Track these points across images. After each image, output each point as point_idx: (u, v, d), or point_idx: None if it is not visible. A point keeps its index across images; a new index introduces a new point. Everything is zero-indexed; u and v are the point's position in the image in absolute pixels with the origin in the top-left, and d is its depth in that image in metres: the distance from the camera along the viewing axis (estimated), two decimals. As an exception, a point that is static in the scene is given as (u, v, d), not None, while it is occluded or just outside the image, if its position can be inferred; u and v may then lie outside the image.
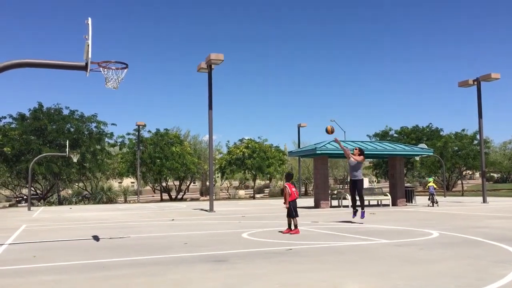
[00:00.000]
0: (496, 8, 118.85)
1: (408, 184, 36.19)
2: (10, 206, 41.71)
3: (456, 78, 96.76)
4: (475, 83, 25.05)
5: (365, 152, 23.01)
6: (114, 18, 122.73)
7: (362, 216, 12.70)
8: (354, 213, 13.04)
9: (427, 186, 25.34)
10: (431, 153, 26.01)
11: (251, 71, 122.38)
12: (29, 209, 27.81)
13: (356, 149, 13.02)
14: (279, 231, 10.64)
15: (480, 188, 40.37)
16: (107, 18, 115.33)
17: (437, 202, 21.98)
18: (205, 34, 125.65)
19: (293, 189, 10.58)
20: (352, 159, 12.73)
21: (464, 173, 51.22)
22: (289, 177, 11.04)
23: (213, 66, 21.25)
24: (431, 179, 23.97)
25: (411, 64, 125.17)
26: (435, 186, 22.52)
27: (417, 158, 40.31)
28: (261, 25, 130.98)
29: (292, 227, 10.36)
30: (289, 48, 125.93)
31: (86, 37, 8.95)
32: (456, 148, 46.25)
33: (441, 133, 49.44)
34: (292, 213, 10.32)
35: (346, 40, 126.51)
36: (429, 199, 22.01)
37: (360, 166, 12.88)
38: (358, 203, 13.01)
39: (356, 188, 12.85)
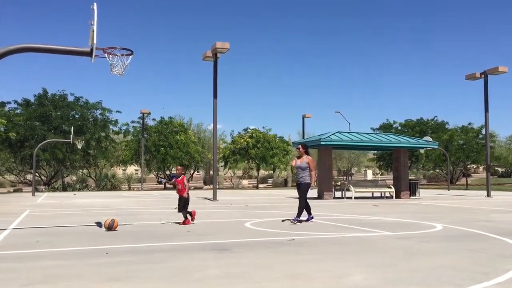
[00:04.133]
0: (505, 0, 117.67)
1: (412, 177, 36.15)
2: (14, 191, 41.93)
3: (463, 71, 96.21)
4: (482, 76, 24.86)
5: (370, 144, 23.16)
6: (119, 4, 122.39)
7: (294, 220, 10.42)
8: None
9: None
10: (436, 146, 25.90)
11: (257, 60, 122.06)
12: (33, 195, 27.94)
13: (299, 147, 10.96)
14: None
15: (484, 182, 40.27)
16: (113, 5, 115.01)
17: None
18: (211, 22, 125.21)
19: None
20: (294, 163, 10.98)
21: (468, 167, 51.03)
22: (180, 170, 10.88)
23: (218, 54, 21.15)
24: None
25: (418, 56, 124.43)
26: None
27: (422, 151, 40.18)
28: (268, 15, 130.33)
29: (188, 217, 10.37)
30: (295, 38, 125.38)
31: (92, 22, 8.88)
32: (462, 142, 46.06)
33: (447, 126, 49.23)
34: (180, 206, 10.39)
35: (352, 32, 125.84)
36: None
37: (306, 167, 10.70)
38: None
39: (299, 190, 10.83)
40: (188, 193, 10.53)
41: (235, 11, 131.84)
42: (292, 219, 10.42)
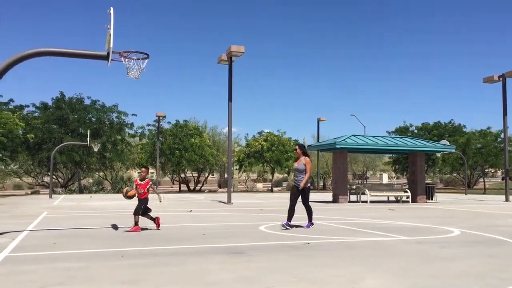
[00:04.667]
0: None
1: (428, 181, 35.74)
2: (32, 193, 42.47)
3: (481, 74, 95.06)
4: (501, 79, 24.51)
5: (385, 148, 22.97)
6: (135, 9, 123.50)
7: (307, 226, 10.27)
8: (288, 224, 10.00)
9: None
10: (453, 150, 25.58)
11: (271, 63, 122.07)
12: (50, 197, 28.25)
13: (296, 148, 10.38)
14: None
15: (502, 186, 39.64)
16: (129, 9, 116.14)
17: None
18: (226, 24, 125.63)
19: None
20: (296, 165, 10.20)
21: (486, 171, 50.31)
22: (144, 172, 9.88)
23: (233, 58, 21.20)
24: None
25: (435, 59, 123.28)
26: None
27: (439, 155, 39.76)
28: (282, 18, 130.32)
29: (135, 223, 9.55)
30: (310, 42, 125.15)
31: (108, 26, 8.96)
32: (480, 146, 45.44)
33: (464, 129, 48.64)
34: (139, 210, 9.53)
35: (367, 35, 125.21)
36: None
37: (304, 169, 9.99)
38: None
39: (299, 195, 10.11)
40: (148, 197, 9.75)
41: (251, 14, 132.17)
42: (306, 225, 10.23)
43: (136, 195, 9.58)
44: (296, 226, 10.21)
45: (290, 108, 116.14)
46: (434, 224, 11.15)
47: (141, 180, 9.69)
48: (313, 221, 10.39)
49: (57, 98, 40.86)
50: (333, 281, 4.86)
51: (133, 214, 9.54)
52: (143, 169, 9.92)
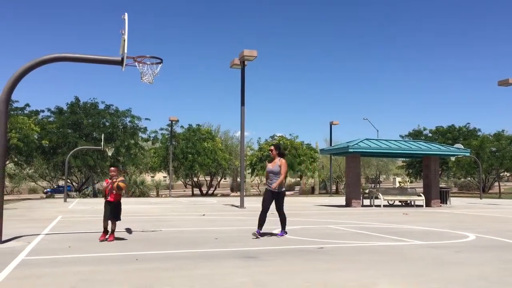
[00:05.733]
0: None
1: (443, 185, 35.42)
2: (47, 197, 42.92)
3: (496, 76, 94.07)
4: (516, 82, 24.21)
5: (399, 151, 22.81)
6: (149, 11, 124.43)
7: (280, 234, 9.42)
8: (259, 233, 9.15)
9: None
10: (468, 154, 25.33)
11: (284, 67, 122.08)
12: (65, 201, 28.53)
13: (272, 149, 9.47)
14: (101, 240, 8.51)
15: (518, 190, 39.12)
16: (143, 14, 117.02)
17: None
18: (238, 29, 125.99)
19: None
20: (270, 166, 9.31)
21: (501, 174, 49.73)
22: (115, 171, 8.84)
23: (246, 62, 21.27)
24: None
25: (449, 62, 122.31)
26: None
27: (453, 158, 39.40)
28: (295, 21, 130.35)
29: (109, 231, 8.57)
30: (323, 45, 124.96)
31: (123, 32, 9.05)
32: (494, 149, 44.93)
33: (479, 133, 48.18)
34: (117, 214, 8.58)
35: (381, 38, 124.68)
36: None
37: (279, 172, 9.14)
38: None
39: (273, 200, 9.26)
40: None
41: (263, 18, 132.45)
42: (279, 234, 9.34)
43: (108, 197, 8.57)
44: (271, 234, 9.45)
45: (302, 112, 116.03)
46: (449, 229, 11.06)
47: (112, 179, 8.70)
48: (286, 230, 9.57)
49: (71, 102, 41.33)
50: (346, 285, 4.85)
51: (115, 220, 8.57)
52: (112, 168, 8.85)
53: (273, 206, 9.26)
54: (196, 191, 51.01)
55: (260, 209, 9.22)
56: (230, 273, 5.51)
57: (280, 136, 47.37)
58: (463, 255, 6.98)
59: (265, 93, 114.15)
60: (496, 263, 6.32)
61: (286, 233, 9.56)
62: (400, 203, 23.99)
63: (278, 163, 9.18)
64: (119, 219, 8.68)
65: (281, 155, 9.34)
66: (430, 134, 49.17)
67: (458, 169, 46.83)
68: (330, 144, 43.16)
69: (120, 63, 9.20)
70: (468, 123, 49.18)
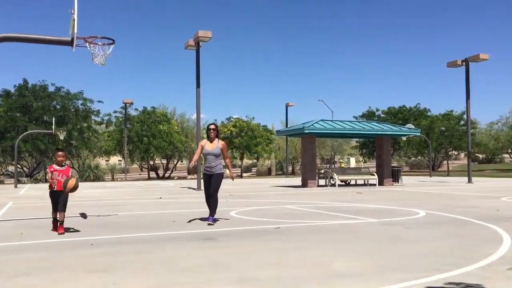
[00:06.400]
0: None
1: (395, 164, 36.53)
2: (-5, 183, 41.32)
3: (445, 58, 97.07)
4: (464, 63, 25.11)
5: (353, 132, 23.29)
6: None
7: (210, 220, 8.46)
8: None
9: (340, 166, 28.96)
10: (418, 133, 26.17)
11: (239, 48, 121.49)
12: (15, 186, 27.58)
13: (213, 128, 8.77)
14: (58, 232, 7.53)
15: (465, 168, 40.88)
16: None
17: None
18: (194, 9, 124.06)
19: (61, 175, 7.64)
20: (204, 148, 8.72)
21: (449, 153, 51.81)
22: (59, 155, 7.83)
23: (201, 43, 21.00)
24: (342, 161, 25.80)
25: (399, 44, 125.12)
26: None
27: (404, 138, 40.66)
28: (252, 2, 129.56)
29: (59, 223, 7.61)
30: (279, 27, 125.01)
31: (72, 11, 8.75)
32: (443, 129, 46.62)
33: (428, 113, 49.76)
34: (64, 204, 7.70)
35: (334, 19, 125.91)
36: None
37: (220, 154, 8.75)
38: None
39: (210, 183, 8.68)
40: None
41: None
42: (210, 221, 8.40)
43: (55, 186, 7.67)
44: (203, 219, 8.94)
45: (258, 94, 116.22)
46: (401, 206, 11.44)
47: (60, 166, 7.75)
48: (215, 216, 8.66)
49: (20, 85, 39.71)
50: (303, 264, 4.95)
51: (62, 211, 7.61)
52: (61, 153, 7.83)
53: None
54: (153, 174, 50.45)
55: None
56: (189, 255, 5.51)
57: (236, 117, 47.38)
58: (414, 231, 7.25)
59: (221, 75, 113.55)
60: (445, 237, 6.61)
61: (216, 220, 8.66)
62: (354, 183, 24.60)
63: (218, 145, 8.71)
64: (62, 209, 7.62)
65: (218, 136, 8.88)
66: (382, 115, 50.40)
67: (409, 148, 48.39)
68: (286, 126, 43.50)
69: (70, 43, 8.90)
70: (418, 104, 50.73)
